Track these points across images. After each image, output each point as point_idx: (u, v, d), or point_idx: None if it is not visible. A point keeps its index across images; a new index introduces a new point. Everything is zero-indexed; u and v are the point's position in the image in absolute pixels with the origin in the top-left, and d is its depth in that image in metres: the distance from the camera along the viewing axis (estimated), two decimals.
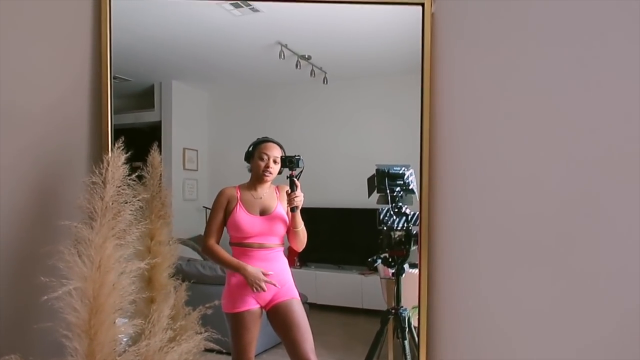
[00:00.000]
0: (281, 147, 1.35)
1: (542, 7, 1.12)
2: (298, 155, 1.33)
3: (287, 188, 1.34)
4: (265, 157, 1.34)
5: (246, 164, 1.36)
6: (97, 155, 1.21)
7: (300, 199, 1.33)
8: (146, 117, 1.46)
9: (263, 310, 1.34)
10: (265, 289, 1.31)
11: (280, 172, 1.35)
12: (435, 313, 1.30)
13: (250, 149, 1.35)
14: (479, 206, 1.25)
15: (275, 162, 1.34)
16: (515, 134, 1.19)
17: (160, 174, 1.15)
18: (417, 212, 1.33)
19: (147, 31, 1.35)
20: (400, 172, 1.36)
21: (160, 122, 1.44)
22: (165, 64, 1.45)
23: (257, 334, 1.34)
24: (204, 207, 1.41)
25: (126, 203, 0.97)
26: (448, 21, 1.29)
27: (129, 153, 1.02)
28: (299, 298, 1.35)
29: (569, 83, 1.08)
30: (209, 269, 1.40)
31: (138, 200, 0.98)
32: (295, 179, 1.33)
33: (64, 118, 1.21)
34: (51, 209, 1.15)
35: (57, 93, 1.21)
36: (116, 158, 0.97)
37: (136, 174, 1.04)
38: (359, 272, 1.48)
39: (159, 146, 1.23)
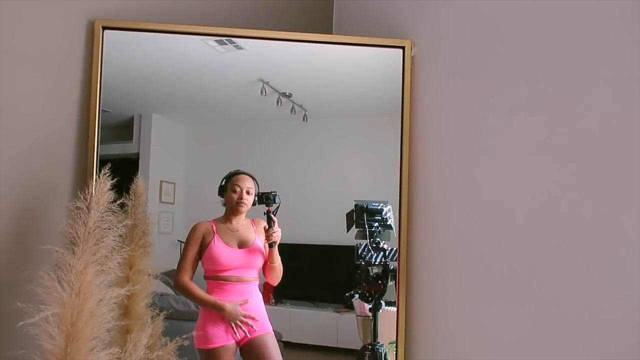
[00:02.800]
0: (253, 178, 1.37)
1: (520, 49, 1.19)
2: (274, 191, 1.35)
3: (264, 223, 1.35)
4: (238, 189, 1.35)
5: (220, 199, 1.36)
6: (82, 181, 1.21)
7: (278, 234, 1.34)
8: (124, 148, 1.45)
9: (237, 346, 1.32)
10: (245, 322, 1.30)
11: (254, 204, 1.35)
12: (413, 349, 1.31)
13: (223, 183, 1.36)
14: (457, 243, 1.28)
15: (248, 193, 1.35)
16: (493, 172, 1.23)
17: (143, 203, 1.15)
18: (395, 248, 1.36)
19: (129, 63, 1.36)
20: (379, 207, 1.38)
21: (138, 154, 1.43)
22: (146, 96, 1.46)
23: None
24: (178, 240, 1.38)
25: (109, 229, 0.96)
26: (427, 64, 1.36)
27: (115, 180, 1.03)
28: (273, 333, 1.34)
29: (547, 122, 1.13)
30: (182, 304, 1.37)
31: (122, 226, 0.97)
32: (272, 215, 1.34)
33: (49, 143, 1.20)
34: (32, 233, 1.13)
35: (44, 118, 1.21)
36: (102, 184, 0.98)
37: (119, 201, 1.04)
38: (335, 310, 1.47)
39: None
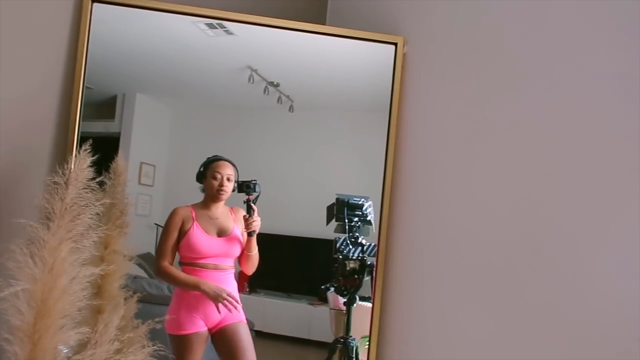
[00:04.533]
0: (233, 165, 1.35)
1: (513, 50, 1.19)
2: (255, 180, 1.34)
3: (243, 212, 1.34)
4: (219, 176, 1.34)
5: (198, 185, 1.35)
6: (61, 156, 1.19)
7: (257, 223, 1.34)
8: (106, 127, 1.42)
9: (209, 333, 1.31)
10: (230, 301, 1.30)
11: (234, 191, 1.35)
12: (386, 345, 1.32)
13: (202, 169, 1.35)
14: (437, 242, 1.30)
15: (228, 180, 1.34)
16: (477, 173, 1.24)
17: (123, 183, 1.13)
18: (373, 244, 1.37)
19: (116, 40, 1.33)
20: (360, 202, 1.39)
21: (119, 133, 1.41)
22: (131, 75, 1.43)
23: (202, 357, 1.30)
24: (155, 224, 1.37)
25: (86, 207, 0.94)
26: (419, 62, 1.36)
27: (95, 157, 1.01)
28: (246, 322, 1.34)
29: (537, 123, 1.13)
30: (155, 288, 1.36)
31: (100, 204, 0.96)
32: (252, 204, 1.33)
33: (30, 116, 1.18)
34: (6, 206, 1.10)
35: (25, 90, 1.18)
36: (82, 160, 0.96)
37: (99, 179, 1.02)
38: (309, 302, 1.47)
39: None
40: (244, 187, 1.34)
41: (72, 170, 0.95)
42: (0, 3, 1.12)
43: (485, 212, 1.21)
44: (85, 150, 0.99)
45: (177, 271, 1.32)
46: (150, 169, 1.42)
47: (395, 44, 1.37)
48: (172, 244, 1.31)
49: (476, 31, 1.26)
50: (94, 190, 1.01)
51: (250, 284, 1.41)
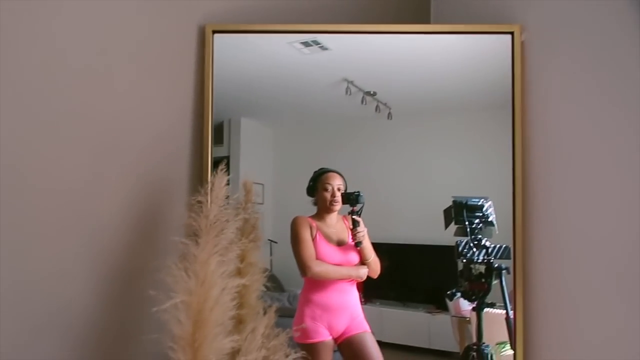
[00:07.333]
0: (342, 175, 1.37)
1: None
2: (358, 191, 1.35)
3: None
4: (330, 187, 1.36)
5: (310, 198, 1.38)
6: (196, 179, 1.28)
7: (362, 234, 1.34)
8: (215, 152, 1.50)
9: (335, 342, 1.33)
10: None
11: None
12: (533, 353, 1.25)
13: (312, 182, 1.38)
14: (578, 243, 1.22)
15: (339, 190, 1.36)
16: (617, 169, 1.15)
17: (252, 199, 1.19)
18: (498, 245, 1.32)
19: (222, 70, 1.41)
20: (479, 204, 1.35)
21: (228, 156, 1.47)
22: (235, 101, 1.50)
23: None
24: (268, 239, 1.41)
25: (227, 222, 1.00)
26: (539, 50, 1.27)
27: (228, 178, 1.07)
28: (371, 332, 1.34)
29: None
30: (276, 301, 1.40)
31: (239, 219, 1.01)
32: (356, 215, 1.34)
33: (169, 147, 1.29)
34: (157, 227, 1.21)
35: (164, 124, 1.29)
36: (220, 179, 1.02)
37: (235, 196, 1.08)
38: (426, 311, 1.45)
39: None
40: (347, 198, 1.35)
41: (212, 189, 1.01)
42: (131, 50, 1.24)
43: (632, 207, 1.11)
44: (222, 169, 1.05)
45: (332, 266, 1.33)
46: (259, 187, 1.47)
47: (512, 33, 1.29)
48: (311, 244, 1.33)
49: (597, 9, 1.17)
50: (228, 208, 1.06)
51: (364, 294, 1.41)
